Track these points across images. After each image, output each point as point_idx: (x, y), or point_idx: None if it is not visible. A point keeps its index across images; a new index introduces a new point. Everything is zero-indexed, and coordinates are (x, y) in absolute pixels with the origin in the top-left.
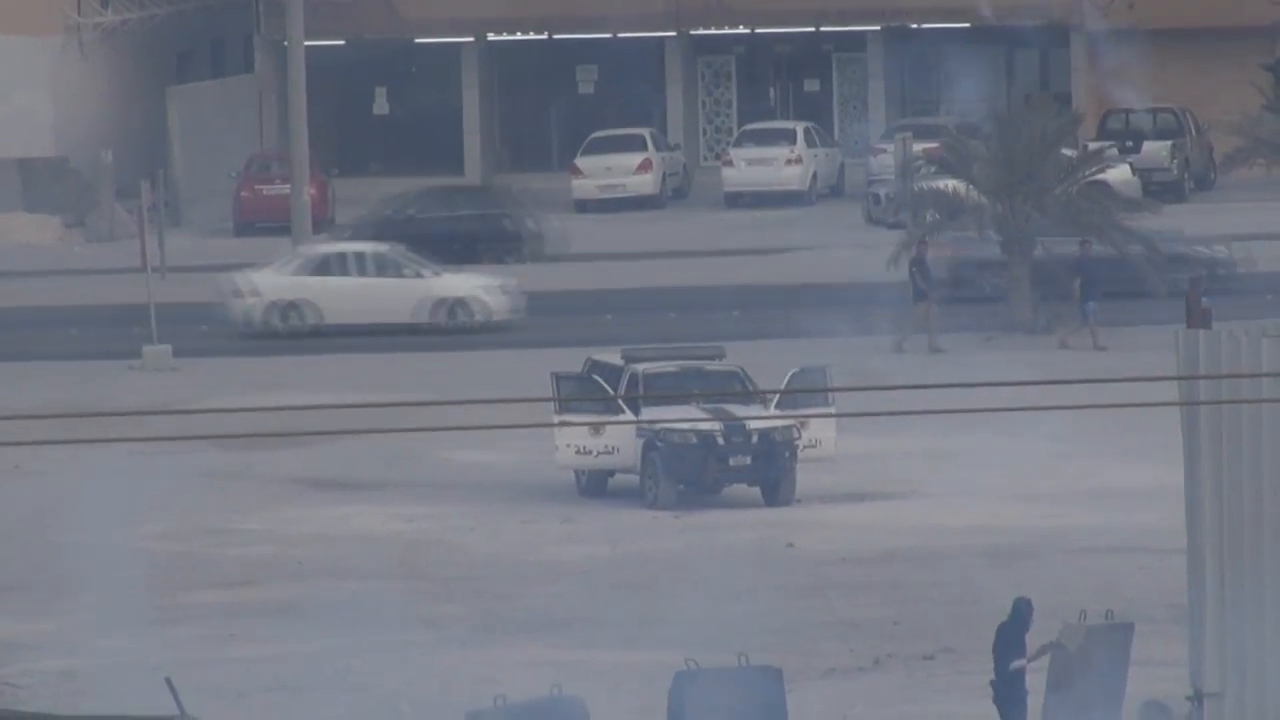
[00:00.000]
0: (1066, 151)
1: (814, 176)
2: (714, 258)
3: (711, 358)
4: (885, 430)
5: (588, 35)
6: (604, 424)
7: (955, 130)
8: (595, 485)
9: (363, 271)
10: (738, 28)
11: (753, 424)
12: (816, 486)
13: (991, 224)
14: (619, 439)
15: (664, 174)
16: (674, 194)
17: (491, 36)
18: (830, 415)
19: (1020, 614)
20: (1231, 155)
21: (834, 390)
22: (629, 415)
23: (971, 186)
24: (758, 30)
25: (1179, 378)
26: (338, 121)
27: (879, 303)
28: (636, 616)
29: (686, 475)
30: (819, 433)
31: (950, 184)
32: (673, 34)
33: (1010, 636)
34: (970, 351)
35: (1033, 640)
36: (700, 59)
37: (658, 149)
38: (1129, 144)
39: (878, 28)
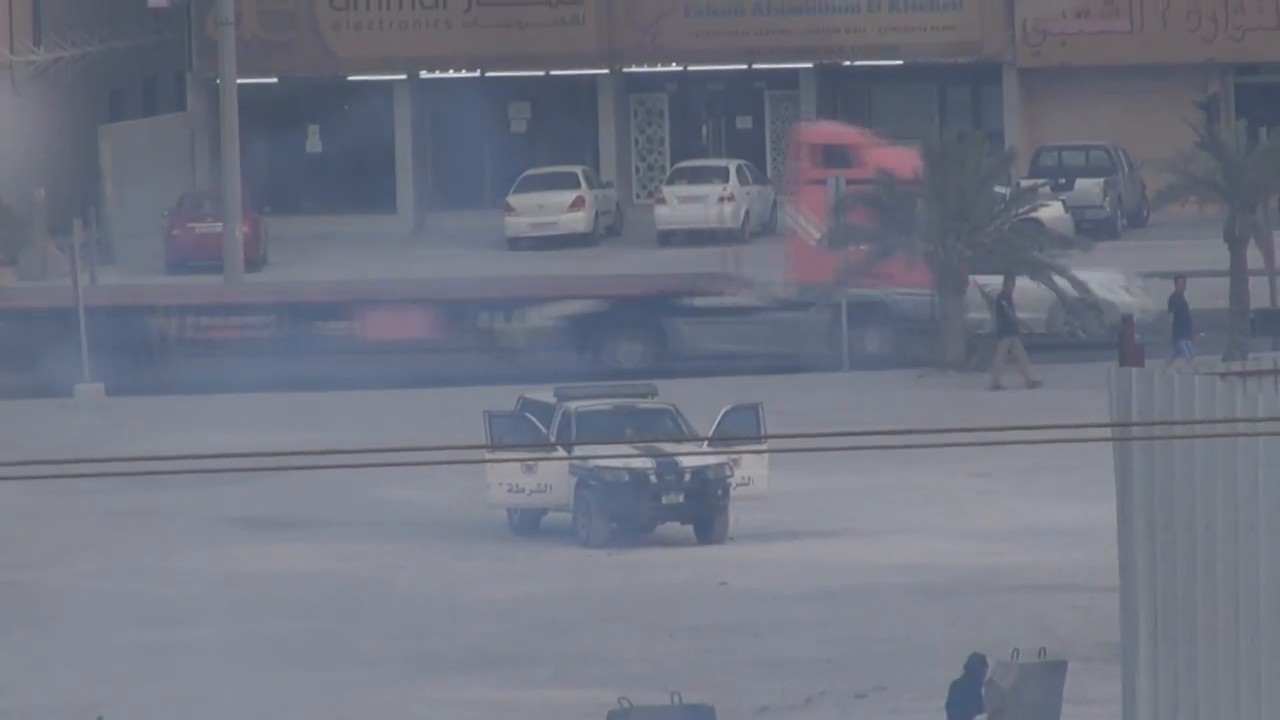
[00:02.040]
0: (999, 189)
1: (747, 214)
2: None
3: (644, 395)
4: (819, 468)
5: (520, 73)
6: (536, 461)
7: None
8: (528, 523)
9: None
10: (670, 65)
11: (686, 462)
12: (750, 524)
13: (924, 261)
14: (552, 477)
15: (597, 211)
16: (607, 231)
17: (424, 74)
18: (763, 451)
19: (974, 670)
20: (1164, 192)
21: (774, 433)
22: (562, 453)
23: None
24: (690, 68)
25: (1112, 423)
26: (270, 159)
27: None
28: (570, 655)
29: (619, 513)
30: (752, 470)
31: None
32: (605, 71)
33: (964, 693)
34: (901, 389)
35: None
36: (633, 96)
37: (590, 186)
38: (1061, 181)
39: (809, 65)
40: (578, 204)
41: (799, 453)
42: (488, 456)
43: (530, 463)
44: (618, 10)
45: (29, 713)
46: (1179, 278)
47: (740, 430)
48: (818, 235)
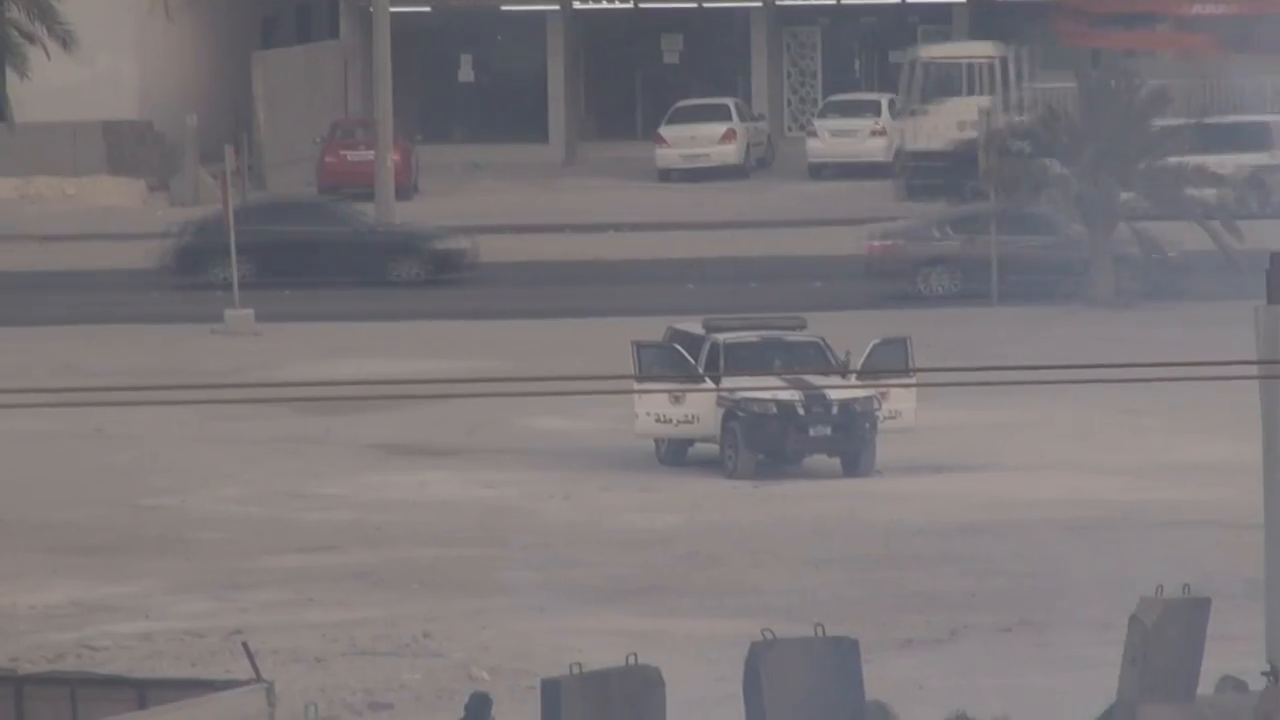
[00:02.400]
0: (1152, 126)
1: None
2: (797, 228)
3: (793, 328)
4: (966, 402)
5: (674, 4)
6: (684, 392)
7: (1042, 103)
8: (675, 454)
9: None
10: None
11: (833, 394)
12: (896, 458)
13: (1075, 199)
14: (699, 408)
15: (748, 144)
16: (758, 164)
17: (577, 4)
18: (911, 385)
19: (473, 711)
20: None
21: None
22: (709, 384)
23: (1057, 160)
24: (844, 2)
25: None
26: (422, 88)
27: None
28: (714, 586)
29: (766, 445)
30: (899, 404)
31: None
32: (759, 4)
33: None
34: (1050, 324)
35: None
36: (785, 29)
37: (742, 119)
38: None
39: (964, 0)
40: (729, 136)
41: (947, 387)
42: (636, 387)
43: (678, 393)
44: None
45: (176, 637)
46: None
47: (888, 364)
48: None
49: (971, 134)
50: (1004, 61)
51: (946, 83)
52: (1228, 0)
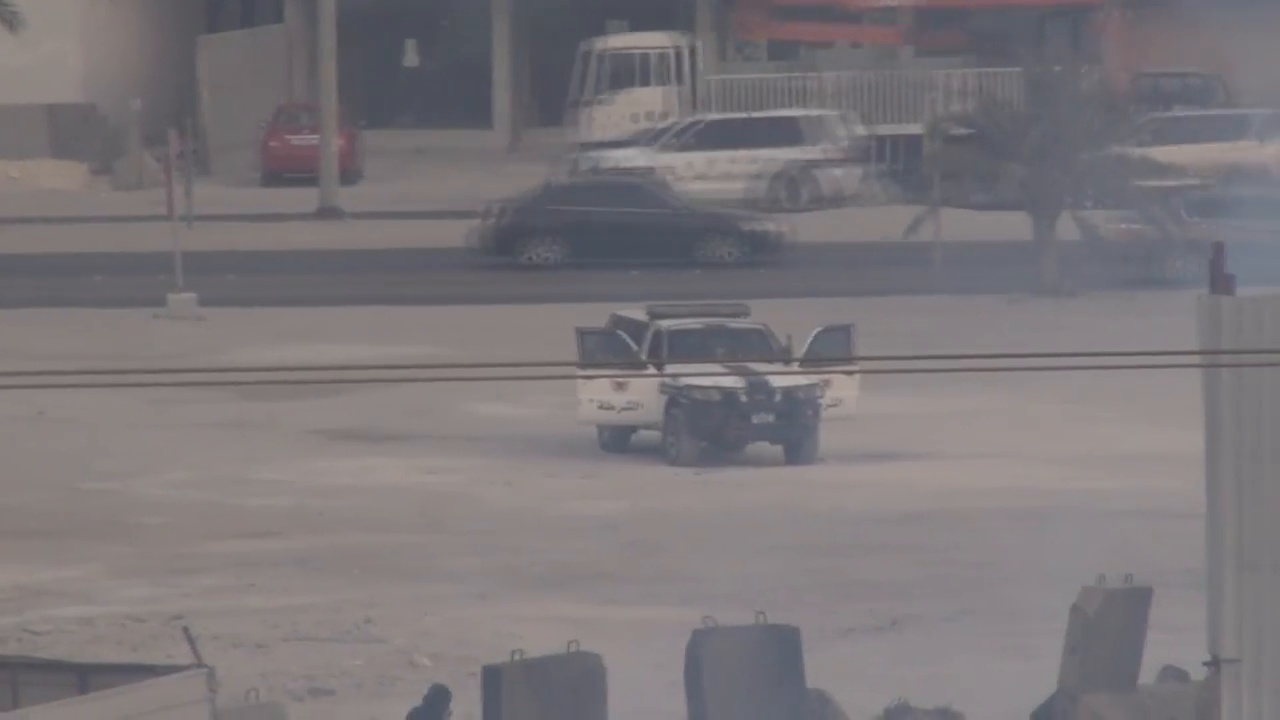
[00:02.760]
0: (1097, 116)
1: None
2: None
3: (735, 315)
4: (909, 390)
5: None
6: (627, 379)
7: (985, 93)
8: (618, 441)
9: None
10: None
11: (776, 382)
12: (839, 446)
13: (1019, 187)
14: (642, 395)
15: None
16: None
17: None
18: (854, 372)
19: (433, 701)
20: (1269, 121)
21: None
22: (653, 371)
23: (1000, 150)
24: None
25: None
26: (367, 73)
27: (901, 263)
28: (656, 573)
29: (709, 432)
30: (842, 391)
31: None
32: None
33: None
34: (993, 313)
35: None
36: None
37: None
38: (1159, 109)
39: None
40: None
41: (890, 374)
42: (579, 373)
43: (621, 380)
44: None
45: (117, 622)
46: None
47: (831, 351)
48: None
49: (647, 124)
50: (680, 51)
51: (626, 73)
52: None
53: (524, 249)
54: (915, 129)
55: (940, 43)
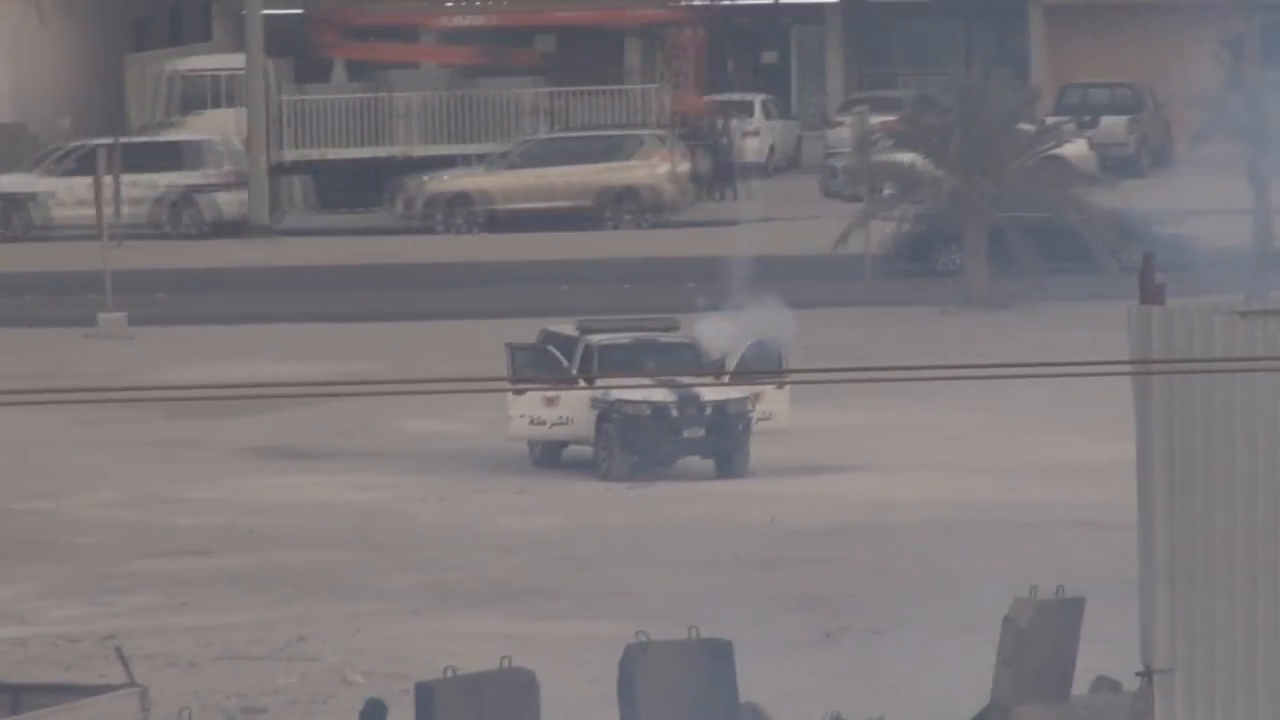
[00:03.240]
0: (1024, 126)
1: (771, 149)
2: (671, 230)
3: (666, 329)
4: (840, 403)
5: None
6: (558, 394)
7: (913, 104)
8: (549, 456)
9: None
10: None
11: (707, 395)
12: (770, 459)
13: (948, 198)
14: (573, 410)
15: None
16: None
17: (449, 3)
18: (784, 383)
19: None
20: (1195, 133)
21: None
22: (584, 386)
23: (928, 160)
24: (717, 2)
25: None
26: (296, 89)
27: (833, 276)
28: (588, 588)
29: (640, 447)
30: (773, 405)
31: (907, 158)
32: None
33: None
34: (924, 325)
35: None
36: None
37: None
38: (1087, 119)
39: (836, 0)
40: None
41: (820, 386)
42: (509, 388)
43: (552, 395)
44: None
45: (49, 642)
46: None
47: (762, 364)
48: None
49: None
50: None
51: (199, 96)
52: (486, 13)
53: (938, 256)
54: (500, 147)
55: (520, 61)
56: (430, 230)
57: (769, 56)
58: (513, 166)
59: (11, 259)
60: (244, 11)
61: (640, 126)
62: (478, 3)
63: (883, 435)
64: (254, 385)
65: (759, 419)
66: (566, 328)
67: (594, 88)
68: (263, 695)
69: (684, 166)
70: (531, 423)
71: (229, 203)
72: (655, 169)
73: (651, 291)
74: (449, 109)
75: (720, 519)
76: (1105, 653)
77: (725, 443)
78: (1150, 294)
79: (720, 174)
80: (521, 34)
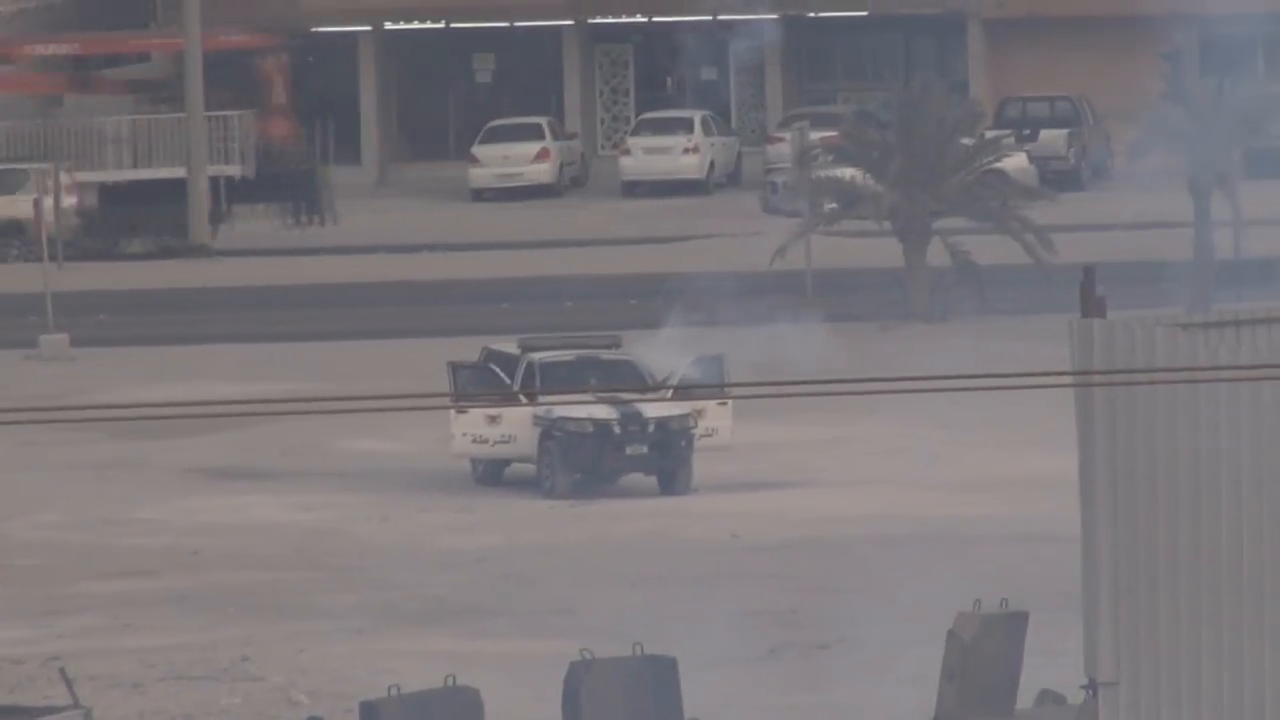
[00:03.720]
0: (964, 140)
1: (711, 165)
2: (611, 247)
3: (608, 346)
4: (782, 419)
5: (485, 24)
6: (500, 412)
7: (852, 119)
8: (491, 474)
9: None
10: (635, 16)
11: (649, 412)
12: (713, 475)
13: (888, 213)
14: (516, 428)
15: (562, 163)
16: (572, 183)
17: (389, 25)
18: (726, 400)
19: None
20: (1132, 145)
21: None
22: (526, 404)
23: (868, 175)
24: (655, 18)
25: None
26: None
27: (772, 291)
28: (532, 606)
29: (583, 464)
30: (715, 421)
31: (847, 173)
32: (570, 22)
33: None
34: (866, 340)
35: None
36: (598, 47)
37: (555, 138)
38: (1026, 132)
39: (775, 16)
40: (543, 155)
41: (763, 402)
42: (451, 406)
43: (494, 413)
44: None
45: None
46: None
47: (704, 381)
48: None
49: None
50: None
51: None
52: (69, 42)
53: None
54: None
55: (107, 90)
56: None
57: (708, 73)
58: None
59: None
60: (183, 33)
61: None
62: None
63: (826, 450)
64: (197, 405)
65: (702, 435)
66: (509, 346)
67: (181, 115)
68: (207, 716)
69: (70, 201)
70: (475, 441)
71: None
72: (43, 202)
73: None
74: (34, 137)
75: (664, 536)
76: (1050, 666)
77: (668, 459)
78: (1092, 307)
79: (307, 201)
80: (106, 61)
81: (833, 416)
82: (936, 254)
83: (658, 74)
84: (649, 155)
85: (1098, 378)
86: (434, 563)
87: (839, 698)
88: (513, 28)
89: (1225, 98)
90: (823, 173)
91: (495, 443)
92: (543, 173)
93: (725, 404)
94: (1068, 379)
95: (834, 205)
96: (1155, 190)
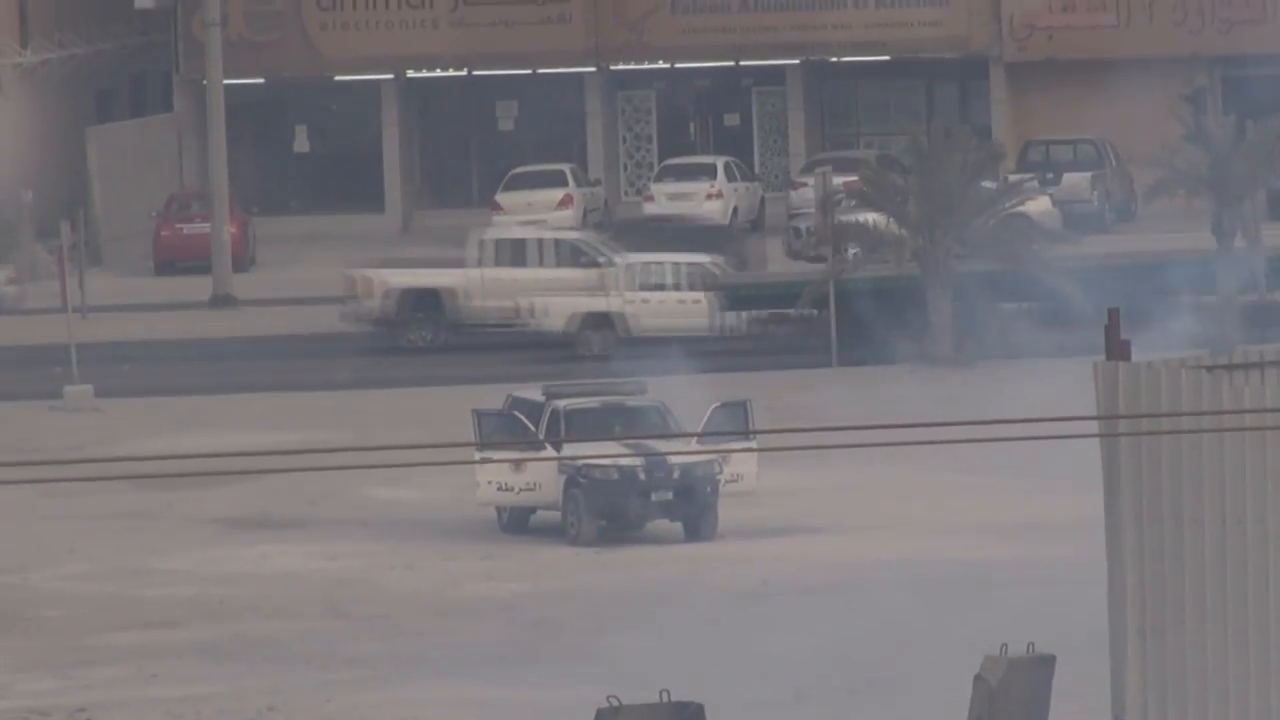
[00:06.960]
0: (987, 184)
1: (734, 211)
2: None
3: (632, 392)
4: (807, 464)
5: (508, 71)
6: (525, 460)
7: (875, 163)
8: (517, 522)
9: None
10: (657, 63)
11: (675, 459)
12: (738, 521)
13: (912, 256)
14: (541, 475)
15: (585, 209)
16: (595, 229)
17: (411, 74)
18: (752, 448)
19: None
20: (1154, 187)
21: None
22: (551, 451)
23: (892, 220)
24: (677, 65)
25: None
26: (257, 160)
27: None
28: (559, 653)
29: (609, 511)
30: (740, 467)
31: (870, 217)
32: (592, 69)
33: None
34: (890, 383)
35: None
36: (620, 94)
37: (578, 184)
38: (1049, 175)
39: (796, 61)
40: (566, 202)
41: (787, 450)
42: (477, 455)
43: (519, 461)
44: (605, 8)
45: (18, 715)
46: None
47: (728, 427)
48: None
49: None
50: None
51: None
52: None
53: None
54: None
55: None
56: None
57: (731, 119)
58: None
59: None
60: (205, 81)
61: None
62: None
63: (850, 496)
64: (221, 455)
65: (727, 481)
66: (533, 393)
67: None
68: None
69: None
70: (500, 489)
71: None
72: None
73: None
74: None
75: (690, 581)
76: (1077, 709)
77: (693, 506)
78: (1115, 349)
79: None
80: None
81: (856, 461)
82: (960, 296)
83: (680, 120)
84: (672, 201)
85: (1123, 424)
86: (460, 611)
87: None
88: (535, 75)
89: (1247, 138)
90: (846, 217)
91: (520, 490)
92: (566, 219)
93: (750, 450)
94: (1093, 425)
95: (857, 250)
96: (1177, 232)
